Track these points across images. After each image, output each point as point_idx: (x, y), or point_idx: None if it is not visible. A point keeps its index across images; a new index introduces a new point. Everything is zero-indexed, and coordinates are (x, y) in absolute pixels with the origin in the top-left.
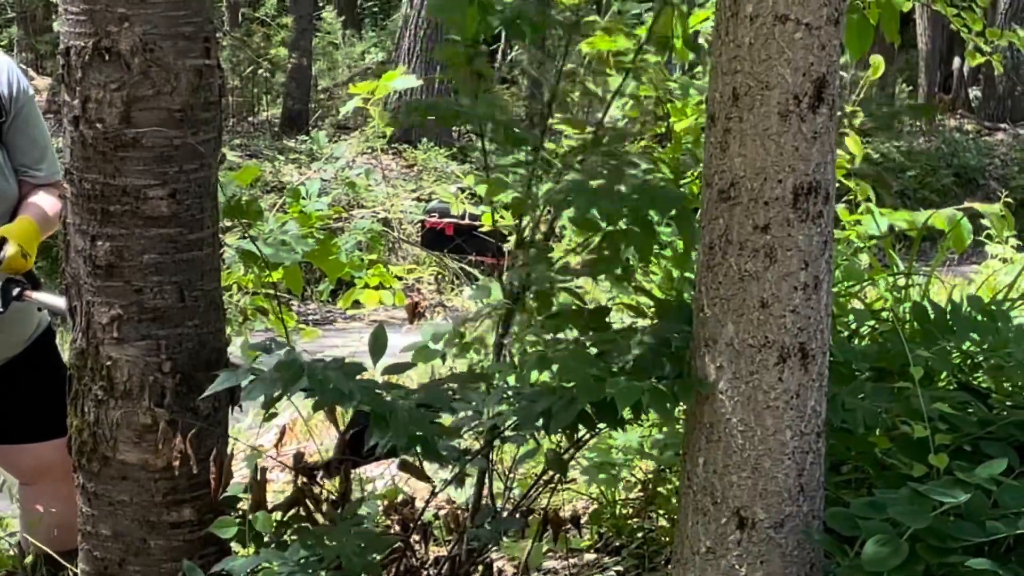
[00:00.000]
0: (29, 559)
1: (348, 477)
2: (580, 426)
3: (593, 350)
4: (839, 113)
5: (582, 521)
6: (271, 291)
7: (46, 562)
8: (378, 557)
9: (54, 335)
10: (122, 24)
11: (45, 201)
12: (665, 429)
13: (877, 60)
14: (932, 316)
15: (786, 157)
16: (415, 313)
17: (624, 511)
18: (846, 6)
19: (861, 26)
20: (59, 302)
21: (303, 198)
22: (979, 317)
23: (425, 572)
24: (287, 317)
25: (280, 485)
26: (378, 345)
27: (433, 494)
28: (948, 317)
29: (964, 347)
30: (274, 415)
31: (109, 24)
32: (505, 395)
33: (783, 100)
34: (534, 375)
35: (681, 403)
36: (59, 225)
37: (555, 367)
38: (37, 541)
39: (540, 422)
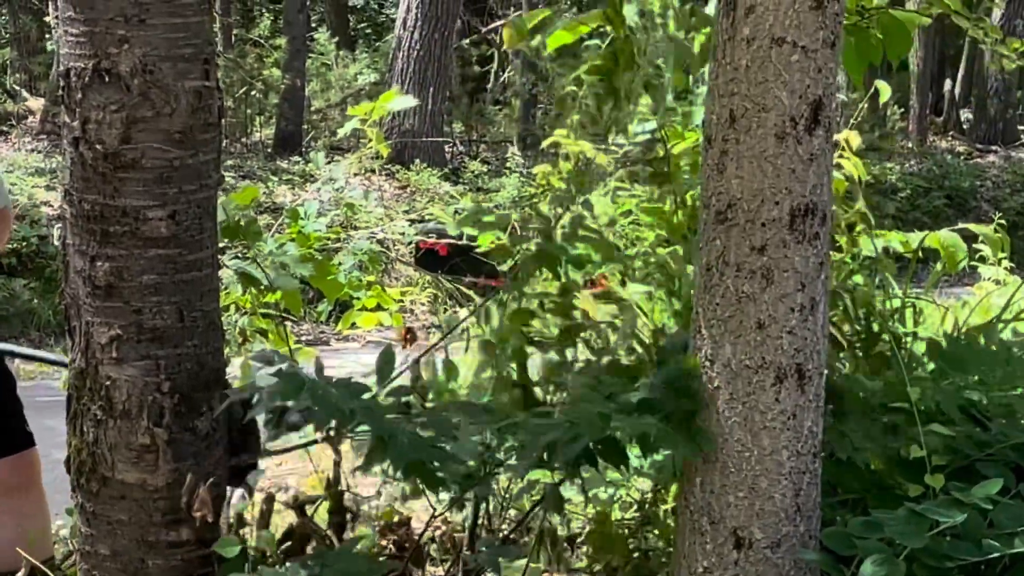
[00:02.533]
0: (21, 574)
1: (342, 508)
2: (583, 461)
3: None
4: (836, 136)
5: (579, 541)
6: (270, 311)
7: None
8: None
9: (1, 355)
10: (122, 46)
11: None
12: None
13: (883, 85)
14: (945, 352)
15: (783, 179)
16: (408, 339)
17: (621, 531)
18: (842, 29)
19: (861, 48)
20: None
21: (301, 219)
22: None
23: None
24: (285, 338)
25: (276, 506)
26: (385, 366)
27: (432, 517)
28: (960, 353)
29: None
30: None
31: (109, 46)
32: (509, 425)
33: (780, 122)
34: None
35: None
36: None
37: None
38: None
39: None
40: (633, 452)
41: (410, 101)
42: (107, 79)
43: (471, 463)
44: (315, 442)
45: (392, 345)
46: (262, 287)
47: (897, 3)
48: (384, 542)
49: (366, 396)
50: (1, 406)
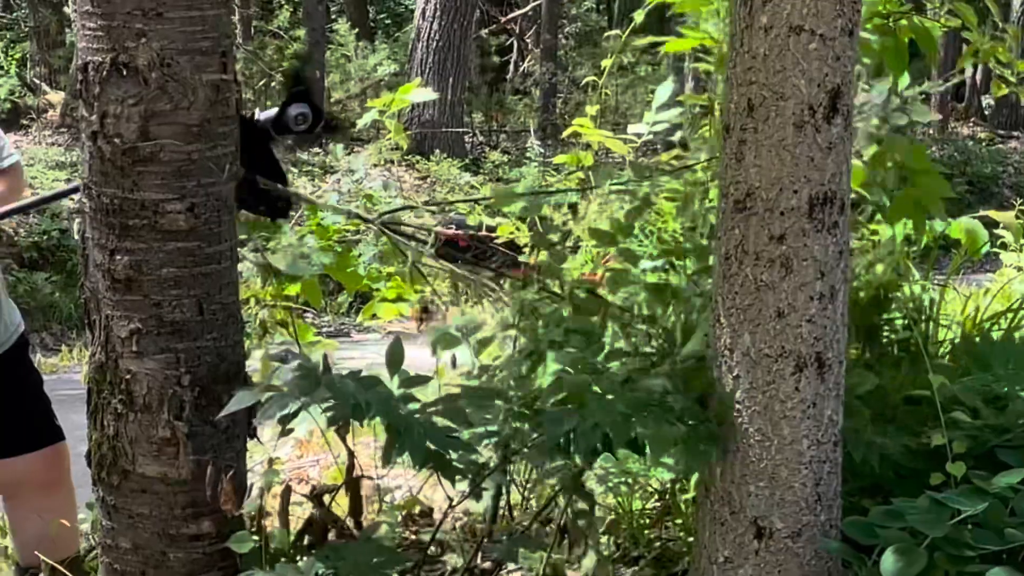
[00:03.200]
0: (45, 568)
1: (359, 497)
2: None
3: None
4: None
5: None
6: (289, 304)
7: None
8: (395, 572)
9: (27, 345)
10: (139, 40)
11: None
12: None
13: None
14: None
15: (801, 167)
16: (424, 313)
17: (641, 521)
18: (860, 17)
19: (899, 49)
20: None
21: (320, 211)
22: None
23: None
24: (305, 330)
25: (297, 497)
26: (395, 358)
27: (451, 507)
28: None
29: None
30: (291, 430)
31: (126, 40)
32: (524, 412)
33: (798, 111)
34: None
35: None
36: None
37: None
38: (27, 555)
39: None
40: None
41: (429, 94)
42: (125, 73)
43: (487, 452)
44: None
45: (407, 336)
46: (282, 278)
47: (917, 9)
48: (405, 532)
49: (380, 388)
50: (29, 402)
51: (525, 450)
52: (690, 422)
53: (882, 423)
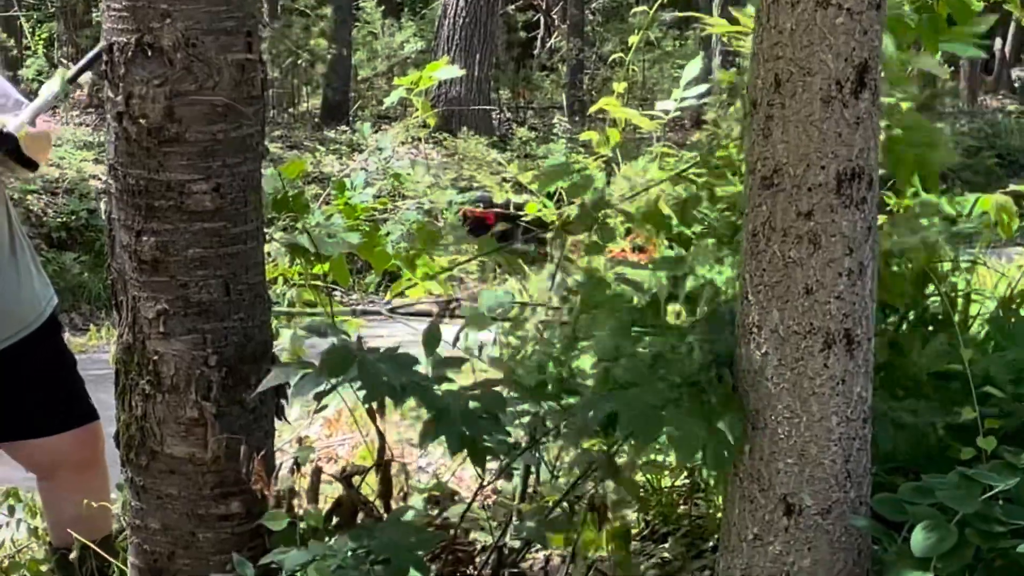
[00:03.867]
0: (73, 555)
1: (389, 479)
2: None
3: (645, 352)
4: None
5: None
6: (318, 283)
7: (89, 556)
8: (425, 552)
9: (60, 326)
10: (164, 20)
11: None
12: None
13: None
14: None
15: (829, 143)
16: (446, 311)
17: (671, 498)
18: None
19: (933, 23)
20: (39, 101)
21: (348, 190)
22: None
23: (472, 564)
24: (335, 308)
25: (326, 477)
26: (432, 339)
27: (481, 487)
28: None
29: None
30: (324, 407)
31: (151, 20)
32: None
33: (825, 86)
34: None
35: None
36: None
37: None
38: (61, 535)
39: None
40: None
41: (456, 71)
42: (150, 53)
43: (517, 432)
44: None
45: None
46: (310, 257)
47: None
48: (433, 512)
49: (415, 368)
50: (63, 382)
51: (560, 430)
52: (715, 403)
53: (912, 399)
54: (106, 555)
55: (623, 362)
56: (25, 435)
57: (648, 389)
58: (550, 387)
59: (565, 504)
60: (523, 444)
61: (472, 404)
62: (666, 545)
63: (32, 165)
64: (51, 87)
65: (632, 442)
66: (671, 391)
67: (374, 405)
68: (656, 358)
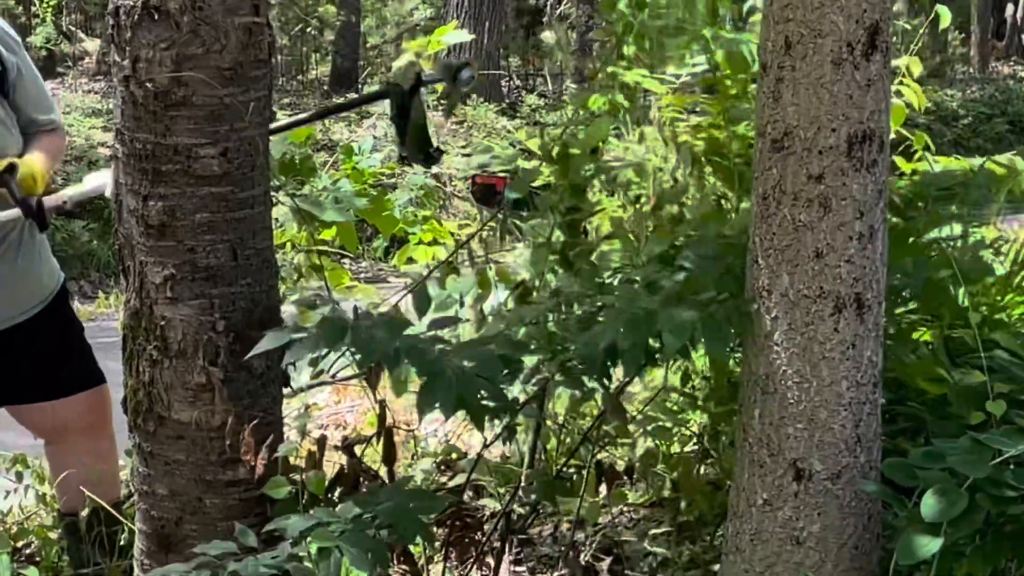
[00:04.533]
0: (84, 513)
1: (392, 444)
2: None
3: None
4: (896, 62)
5: (636, 476)
6: (325, 248)
7: (98, 521)
8: (431, 518)
9: (67, 294)
10: None
11: (49, 145)
12: (719, 381)
13: (943, 11)
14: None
15: (840, 105)
16: (451, 270)
17: (680, 465)
18: None
19: None
20: (85, 186)
21: (356, 155)
22: None
23: (481, 530)
24: (343, 274)
25: (334, 441)
26: (423, 302)
27: (485, 446)
28: None
29: None
30: (320, 371)
31: None
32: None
33: (836, 48)
34: None
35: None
36: (55, 166)
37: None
38: (68, 501)
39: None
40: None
41: (465, 35)
42: (156, 17)
43: (519, 390)
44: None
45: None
46: (316, 224)
47: None
48: (440, 478)
49: (408, 331)
50: (70, 347)
51: (560, 377)
52: (721, 297)
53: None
54: (117, 517)
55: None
56: (34, 399)
57: (641, 302)
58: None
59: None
60: (523, 401)
61: (467, 364)
62: (675, 512)
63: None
64: (99, 180)
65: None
66: (664, 301)
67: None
68: (649, 284)
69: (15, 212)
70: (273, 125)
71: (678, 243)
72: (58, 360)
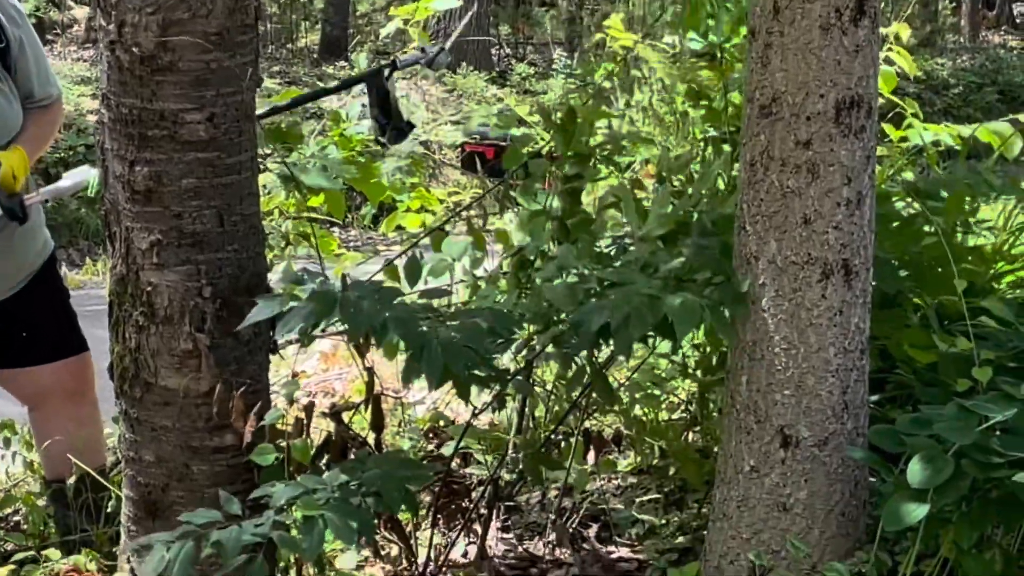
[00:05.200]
0: (71, 480)
1: (379, 411)
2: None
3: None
4: (885, 29)
5: (624, 444)
6: (314, 216)
7: (85, 488)
8: (418, 486)
9: (55, 261)
10: None
11: (39, 129)
12: (708, 349)
13: None
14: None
15: (828, 71)
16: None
17: (668, 432)
18: None
19: None
20: (64, 183)
21: (344, 121)
22: None
23: (468, 497)
24: (331, 241)
25: (322, 408)
26: (413, 271)
27: (474, 415)
28: None
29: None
30: (312, 338)
31: None
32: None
33: (824, 13)
34: None
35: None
36: (48, 144)
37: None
38: (52, 467)
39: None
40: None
41: (453, 2)
42: None
43: (508, 360)
44: None
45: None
46: (304, 191)
47: None
48: (430, 446)
49: (397, 301)
50: (55, 313)
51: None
52: (716, 281)
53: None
54: (103, 484)
55: (614, 267)
56: (15, 363)
57: (641, 285)
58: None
59: (559, 438)
60: (513, 371)
61: (454, 335)
62: (663, 479)
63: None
64: (79, 176)
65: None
66: (666, 286)
67: (360, 341)
68: (644, 265)
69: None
70: (257, 112)
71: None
72: (43, 327)
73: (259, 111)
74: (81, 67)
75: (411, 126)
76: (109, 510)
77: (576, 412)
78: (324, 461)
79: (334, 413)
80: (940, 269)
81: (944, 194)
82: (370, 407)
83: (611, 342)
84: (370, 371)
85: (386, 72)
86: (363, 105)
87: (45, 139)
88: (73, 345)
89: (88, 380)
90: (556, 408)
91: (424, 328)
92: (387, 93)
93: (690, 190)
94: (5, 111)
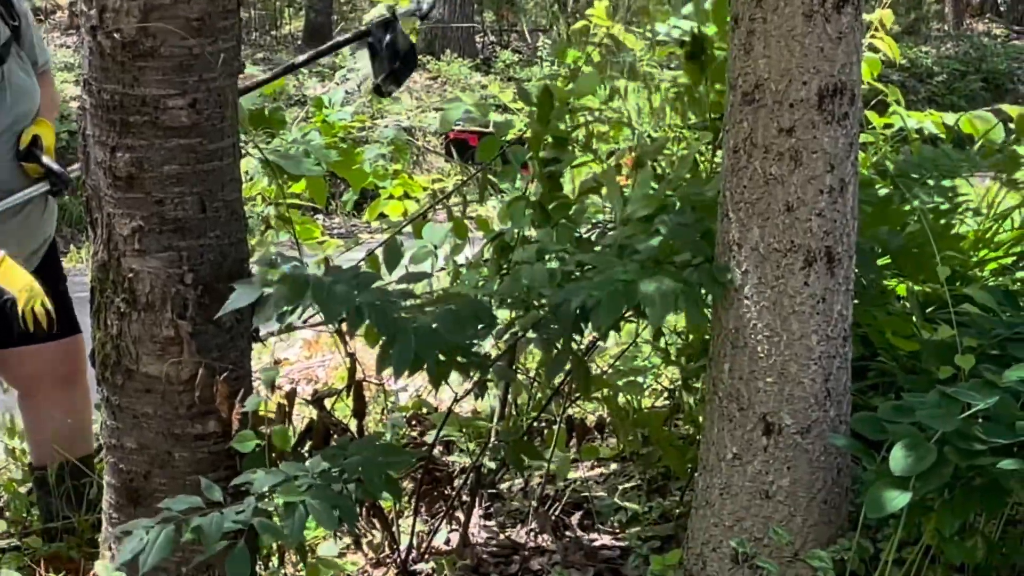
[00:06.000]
0: (53, 467)
1: (362, 398)
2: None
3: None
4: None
5: (607, 431)
6: (296, 202)
7: (68, 475)
8: (400, 473)
9: (54, 244)
10: None
11: (49, 99)
12: (691, 336)
13: None
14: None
15: (811, 58)
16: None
17: (651, 420)
18: None
19: None
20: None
21: (326, 107)
22: None
23: (451, 484)
24: (313, 228)
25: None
26: (393, 256)
27: (455, 401)
28: None
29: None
30: (291, 327)
31: None
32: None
33: (807, 0)
34: None
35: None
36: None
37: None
38: (40, 454)
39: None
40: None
41: None
42: None
43: (487, 345)
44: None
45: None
46: (286, 177)
47: None
48: (413, 432)
49: (375, 285)
50: (52, 294)
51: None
52: (696, 261)
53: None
54: (85, 470)
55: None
56: (11, 343)
57: (618, 272)
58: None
59: (541, 425)
60: (493, 357)
61: (432, 323)
62: (645, 466)
63: None
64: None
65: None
66: (643, 269)
67: (343, 327)
68: (622, 248)
69: (43, 186)
70: (248, 83)
71: (657, 205)
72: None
73: (249, 82)
74: (64, 53)
75: (409, 66)
76: (91, 497)
77: (559, 399)
78: (306, 447)
79: (316, 399)
80: (921, 254)
81: (915, 175)
82: (352, 393)
83: (590, 325)
84: (352, 357)
85: (385, 23)
86: (346, 92)
87: (56, 105)
88: (66, 327)
89: (80, 365)
90: (539, 395)
91: (400, 315)
92: (395, 39)
93: (670, 173)
94: (29, 87)
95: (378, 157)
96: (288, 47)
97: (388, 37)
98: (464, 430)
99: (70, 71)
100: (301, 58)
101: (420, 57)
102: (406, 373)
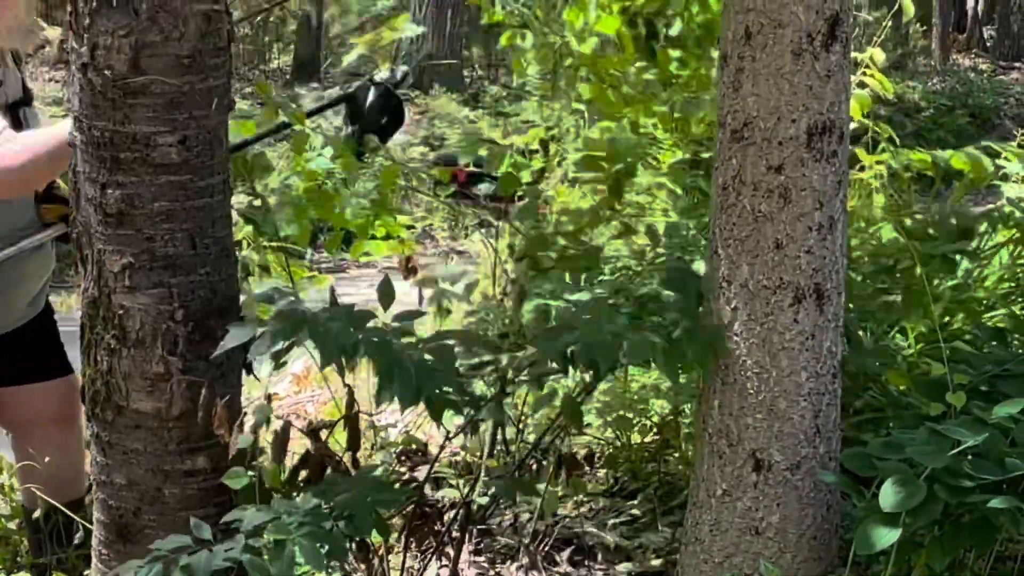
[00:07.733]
0: (38, 513)
1: (356, 430)
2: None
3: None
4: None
5: (597, 465)
6: (281, 243)
7: (56, 514)
8: (390, 510)
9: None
10: None
11: None
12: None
13: (907, 3)
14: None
15: (800, 96)
16: (408, 269)
17: (640, 455)
18: None
19: None
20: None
21: (307, 151)
22: None
23: (441, 520)
24: (296, 270)
25: (296, 434)
26: (386, 294)
27: (448, 439)
28: None
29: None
30: (284, 363)
31: None
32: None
33: (796, 39)
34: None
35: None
36: None
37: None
38: (31, 495)
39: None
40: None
41: (417, 29)
42: (115, 4)
43: (482, 386)
44: None
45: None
46: (263, 233)
47: None
48: (403, 468)
49: (371, 324)
50: (44, 334)
51: (523, 376)
52: (685, 323)
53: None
54: (72, 516)
55: (582, 298)
56: (8, 382)
57: (607, 321)
58: (511, 337)
59: (532, 461)
60: (487, 397)
61: (428, 358)
62: (635, 501)
63: None
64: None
65: (591, 371)
66: (630, 322)
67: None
68: (614, 293)
69: (62, 227)
70: (236, 142)
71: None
72: (33, 346)
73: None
74: (53, 88)
75: (397, 121)
76: (76, 541)
77: (550, 434)
78: (302, 479)
79: (312, 431)
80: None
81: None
82: (347, 426)
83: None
84: (349, 389)
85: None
86: (324, 136)
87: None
88: (61, 367)
89: (75, 405)
90: (530, 432)
91: (395, 351)
92: (359, 106)
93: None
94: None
95: (372, 192)
96: (277, 81)
97: (372, 96)
98: (454, 466)
99: (58, 105)
100: (283, 119)
101: (408, 91)
102: (404, 405)
